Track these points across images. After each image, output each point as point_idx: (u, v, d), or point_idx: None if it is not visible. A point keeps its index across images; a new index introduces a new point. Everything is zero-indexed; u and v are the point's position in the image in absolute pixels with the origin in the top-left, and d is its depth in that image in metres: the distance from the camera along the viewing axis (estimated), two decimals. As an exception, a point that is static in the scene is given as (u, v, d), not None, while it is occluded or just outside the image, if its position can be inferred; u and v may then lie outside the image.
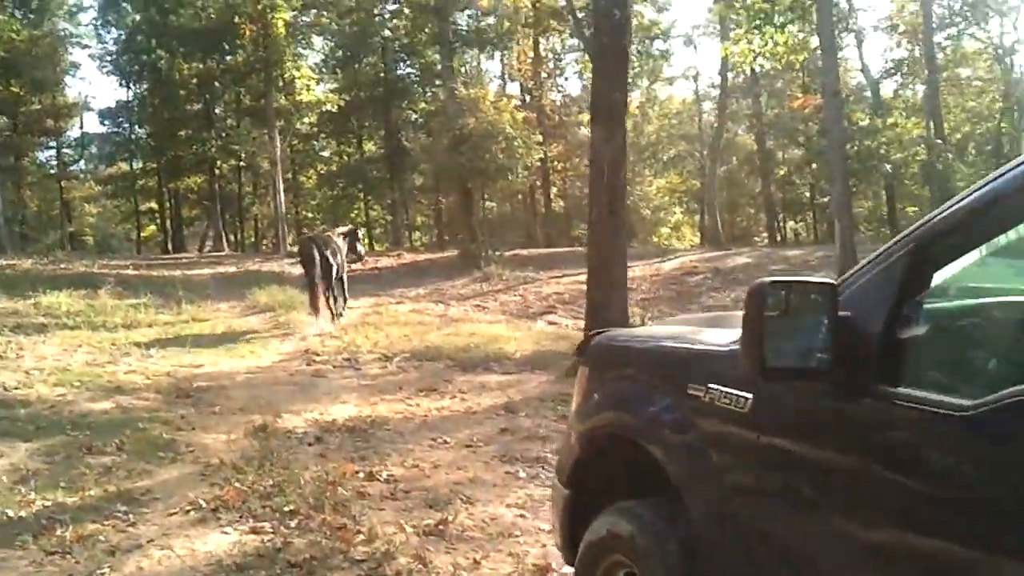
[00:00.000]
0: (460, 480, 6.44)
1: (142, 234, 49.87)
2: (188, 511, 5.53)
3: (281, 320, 15.61)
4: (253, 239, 49.96)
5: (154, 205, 48.39)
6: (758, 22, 21.61)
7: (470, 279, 24.03)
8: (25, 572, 4.61)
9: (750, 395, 2.57)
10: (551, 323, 17.79)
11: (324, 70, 43.65)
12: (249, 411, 8.55)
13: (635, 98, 46.34)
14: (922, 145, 21.49)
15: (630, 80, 39.75)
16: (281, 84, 36.42)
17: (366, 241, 47.21)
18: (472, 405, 9.12)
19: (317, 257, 15.53)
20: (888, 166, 20.96)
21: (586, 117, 47.57)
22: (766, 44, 23.78)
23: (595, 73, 10.97)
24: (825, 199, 46.02)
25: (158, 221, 49.00)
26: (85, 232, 49.87)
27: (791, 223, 52.64)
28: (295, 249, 34.87)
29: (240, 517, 5.41)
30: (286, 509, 5.48)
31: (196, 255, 37.35)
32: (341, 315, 16.07)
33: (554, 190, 47.31)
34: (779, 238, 46.55)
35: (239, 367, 11.30)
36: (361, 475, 6.42)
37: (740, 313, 3.73)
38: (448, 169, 28.42)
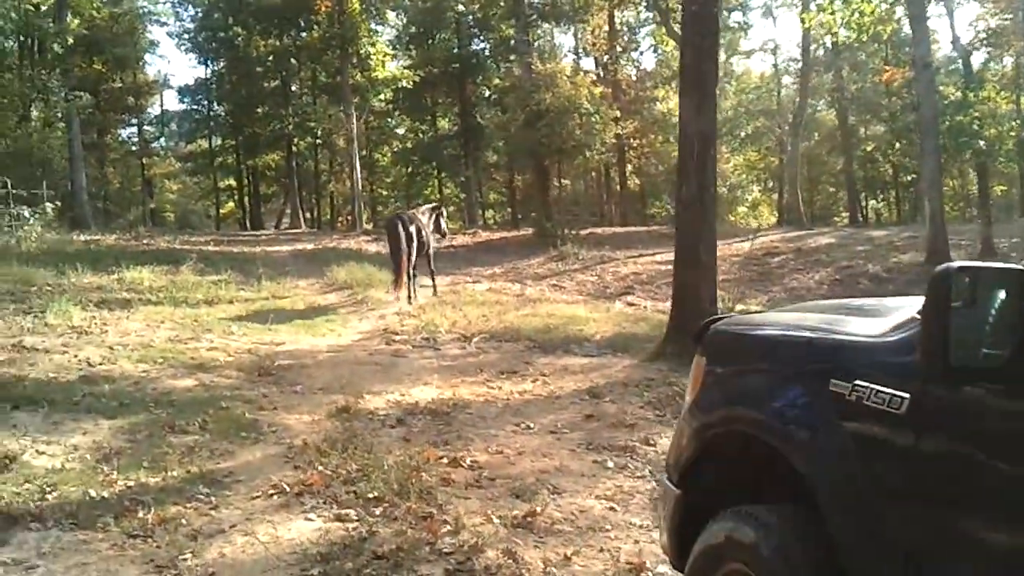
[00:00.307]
0: (546, 469, 6.23)
1: (221, 211, 50.69)
2: (271, 495, 5.41)
3: (359, 298, 15.61)
4: (329, 216, 50.39)
5: (232, 182, 49.16)
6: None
7: (546, 258, 23.85)
8: (106, 556, 4.52)
9: (907, 394, 2.30)
10: (630, 304, 17.52)
11: (398, 46, 43.68)
12: (331, 391, 8.46)
13: (712, 73, 45.55)
14: (1017, 120, 20.60)
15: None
16: (356, 60, 36.45)
17: (440, 219, 47.64)
18: (555, 389, 8.90)
19: (403, 235, 15.62)
20: (982, 142, 20.13)
21: (662, 92, 47.45)
22: (852, 14, 23.00)
23: (684, 43, 10.62)
24: (909, 177, 45.05)
25: (236, 198, 49.76)
26: (166, 208, 50.89)
27: (872, 202, 51.44)
28: (373, 226, 35.22)
29: (324, 503, 5.28)
30: (370, 496, 5.33)
31: (274, 232, 37.78)
32: (435, 292, 16.56)
33: (628, 168, 46.69)
34: (860, 217, 45.43)
35: (319, 345, 11.27)
36: (445, 461, 6.24)
37: (879, 300, 3.48)
38: (524, 146, 28.15)
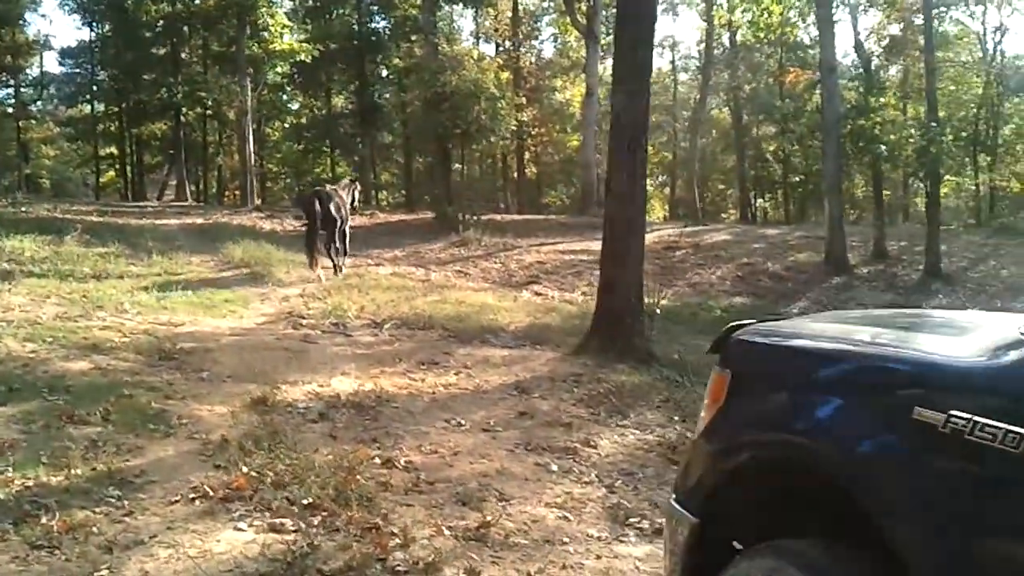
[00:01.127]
0: (487, 472, 5.83)
1: (101, 179, 48.44)
2: (193, 499, 4.86)
3: (258, 278, 14.88)
4: (215, 190, 48.74)
5: (114, 150, 46.97)
6: (757, -10, 21.00)
7: (447, 243, 23.35)
8: (8, 571, 3.93)
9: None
10: (537, 293, 17.26)
11: (294, 19, 42.37)
12: (241, 379, 7.86)
13: (607, 66, 45.77)
14: (915, 128, 21.06)
15: (603, 46, 39.35)
16: (253, 31, 35.07)
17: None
18: (480, 383, 8.50)
19: (319, 211, 15.75)
20: (883, 147, 20.50)
21: (560, 82, 47.45)
22: (760, 14, 23.27)
23: (619, 29, 10.30)
24: (797, 178, 46.11)
25: (117, 167, 47.62)
26: (41, 175, 48.28)
27: (760, 200, 52.48)
28: (263, 202, 34.12)
29: (255, 509, 4.75)
30: (305, 502, 4.83)
31: (159, 204, 36.21)
32: (342, 269, 16.37)
33: (526, 156, 46.54)
34: (749, 215, 46.28)
35: (222, 327, 10.57)
36: (378, 461, 5.78)
37: (937, 313, 3.17)
38: (426, 127, 27.53)
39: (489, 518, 4.87)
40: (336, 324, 11.34)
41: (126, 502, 4.75)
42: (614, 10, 40.70)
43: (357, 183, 19.35)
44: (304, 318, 11.58)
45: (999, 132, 36.52)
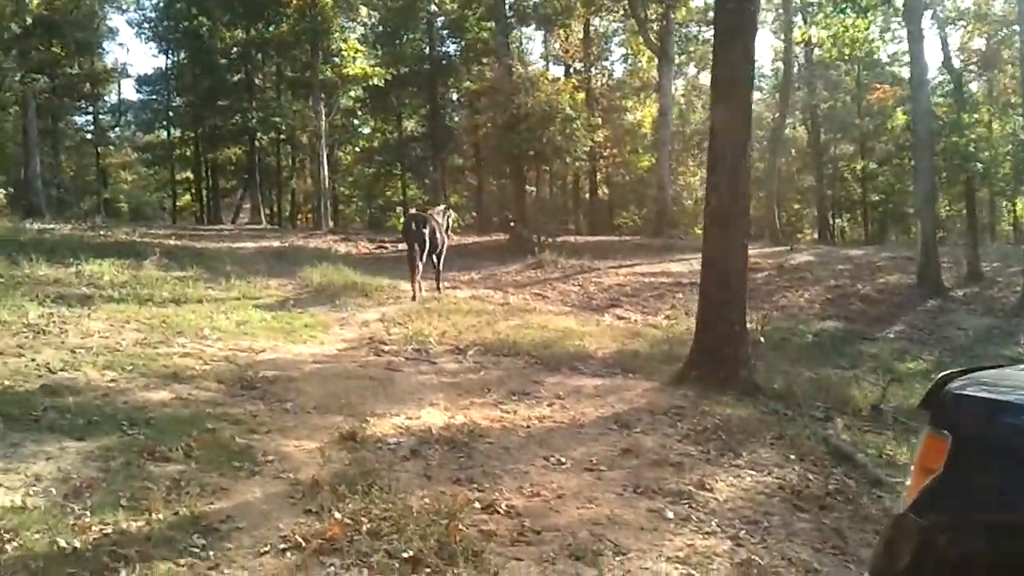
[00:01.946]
0: (597, 519, 5.32)
1: (177, 203, 49.11)
2: (283, 550, 4.44)
3: (338, 302, 14.58)
4: (288, 213, 49.11)
5: (190, 175, 47.65)
6: (844, 5, 20.26)
7: (523, 265, 22.91)
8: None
9: None
10: (619, 317, 16.69)
11: (365, 45, 42.54)
12: (326, 410, 7.48)
13: (679, 85, 45.17)
14: (1012, 144, 20.13)
15: (676, 65, 38.69)
16: (325, 56, 35.19)
17: (402, 220, 46.52)
18: (576, 415, 8.00)
19: (422, 233, 16.38)
20: (980, 165, 19.62)
21: (631, 103, 46.92)
22: (846, 30, 22.51)
23: (717, 44, 9.74)
24: (876, 197, 44.93)
25: (193, 191, 48.26)
26: (119, 199, 49.15)
27: (838, 220, 51.26)
28: (335, 225, 34.10)
29: (352, 564, 4.32)
30: (406, 555, 4.39)
31: (235, 227, 36.35)
32: (440, 290, 17.26)
33: (598, 177, 46.05)
34: (829, 235, 45.16)
35: (303, 354, 10.24)
36: (478, 505, 5.32)
37: None
38: (501, 149, 27.18)
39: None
40: (418, 350, 10.97)
41: (211, 552, 4.36)
42: (686, 29, 40.82)
43: (451, 209, 20.08)
44: (386, 344, 11.23)
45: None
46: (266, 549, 4.45)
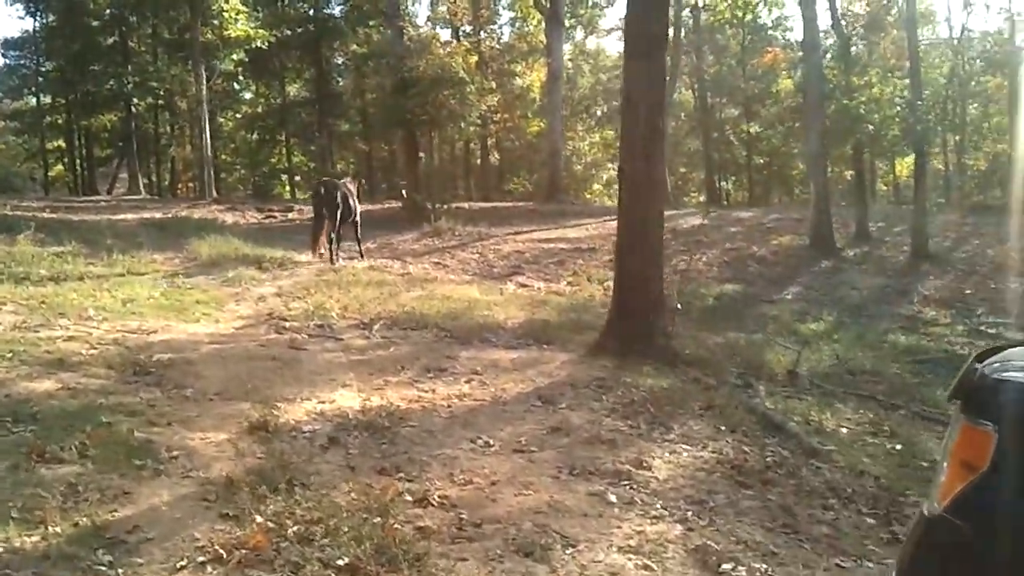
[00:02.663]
0: (537, 506, 4.99)
1: (49, 174, 46.69)
2: (202, 563, 3.96)
3: (230, 275, 13.87)
4: (168, 182, 47.28)
5: (62, 143, 45.25)
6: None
7: (420, 233, 22.42)
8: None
9: None
10: (522, 285, 16.39)
11: (246, 5, 40.98)
12: (230, 396, 6.95)
13: (567, 50, 44.95)
14: (901, 106, 20.47)
15: (566, 29, 38.40)
16: (206, 17, 33.65)
17: (288, 188, 45.34)
18: (496, 391, 7.64)
19: (334, 199, 16.62)
20: (870, 127, 19.92)
21: (519, 67, 46.52)
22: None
23: (631, 4, 9.38)
24: (761, 160, 45.79)
25: (66, 161, 45.92)
26: (-14, 170, 46.49)
27: (723, 184, 52.07)
28: (218, 193, 32.91)
29: (281, 576, 3.88)
30: (342, 562, 3.96)
31: (113, 198, 34.73)
32: (363, 256, 17.71)
33: (490, 142, 45.62)
34: (715, 198, 45.81)
35: (198, 333, 9.61)
36: (409, 498, 4.92)
37: None
38: (392, 114, 26.49)
39: (560, 572, 4.03)
40: (322, 326, 10.45)
41: (120, 570, 3.86)
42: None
43: (361, 178, 20.68)
44: (286, 320, 10.67)
45: (966, 111, 36.35)
46: (182, 563, 3.96)
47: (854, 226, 23.28)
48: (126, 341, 8.75)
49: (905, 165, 39.29)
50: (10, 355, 7.59)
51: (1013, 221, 20.73)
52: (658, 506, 5.11)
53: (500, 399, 7.40)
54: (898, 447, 7.03)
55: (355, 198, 17.64)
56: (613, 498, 5.18)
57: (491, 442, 6.15)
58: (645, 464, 5.78)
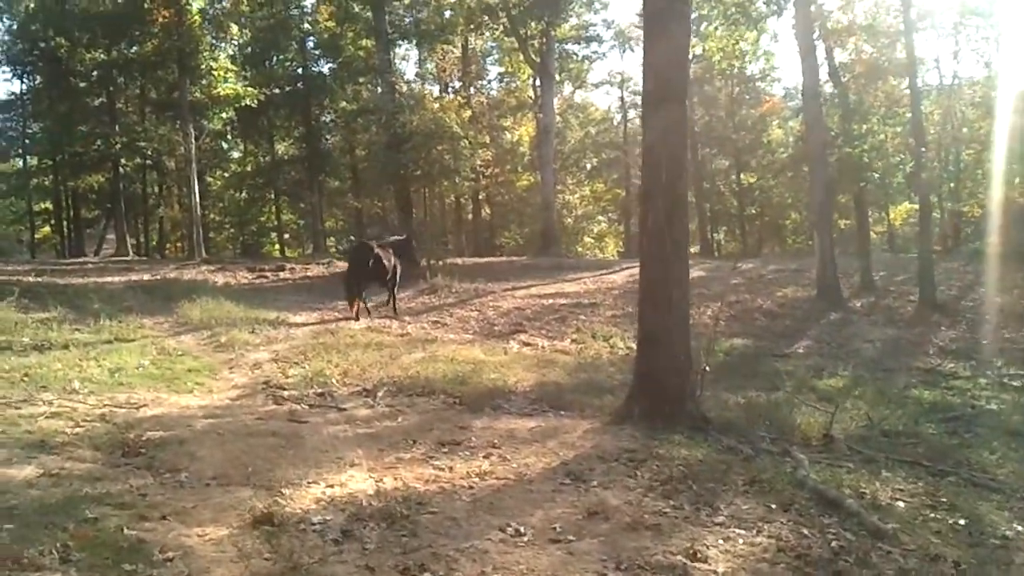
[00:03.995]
0: (586, 612, 4.36)
1: (36, 236, 46.07)
2: None
3: (223, 341, 13.25)
4: (156, 243, 46.71)
5: (49, 205, 44.69)
6: (736, 16, 19.98)
7: (416, 291, 21.87)
8: None
9: None
10: (525, 344, 15.79)
11: (235, 64, 40.75)
12: (229, 480, 6.30)
13: (557, 104, 44.91)
14: (905, 154, 20.16)
15: (557, 86, 38.27)
16: (194, 77, 33.29)
17: (277, 247, 44.81)
18: (520, 468, 7.00)
19: (358, 262, 17.63)
20: (876, 175, 19.56)
21: (508, 122, 46.42)
22: (736, 43, 22.32)
23: (649, 48, 8.88)
24: (754, 210, 45.64)
25: (53, 222, 45.31)
26: (-29, 233, 45.89)
27: (715, 235, 51.90)
28: (206, 253, 32.30)
29: None
30: None
31: (98, 259, 34.11)
32: (395, 312, 18.21)
33: (481, 196, 45.30)
34: (709, 250, 45.57)
35: (191, 406, 8.96)
36: (440, 606, 4.28)
37: None
38: (386, 171, 26.08)
39: None
40: (322, 394, 9.84)
41: None
42: (568, 46, 40.55)
43: (412, 239, 20.60)
44: (284, 388, 10.08)
45: (960, 157, 36.20)
46: None
47: (857, 276, 22.87)
48: (114, 417, 8.11)
49: (899, 213, 39.11)
50: (-13, 437, 6.95)
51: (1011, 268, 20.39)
52: (722, 608, 4.48)
53: (525, 476, 6.76)
54: (962, 522, 6.40)
55: (391, 258, 18.05)
56: (671, 600, 4.55)
57: (522, 530, 5.51)
58: (700, 555, 5.15)
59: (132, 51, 37.36)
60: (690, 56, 9.75)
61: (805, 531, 5.72)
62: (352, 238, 20.77)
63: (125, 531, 5.07)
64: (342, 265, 27.69)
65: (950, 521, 6.41)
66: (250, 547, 4.96)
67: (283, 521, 5.38)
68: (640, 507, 6.02)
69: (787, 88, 47.06)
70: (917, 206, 24.26)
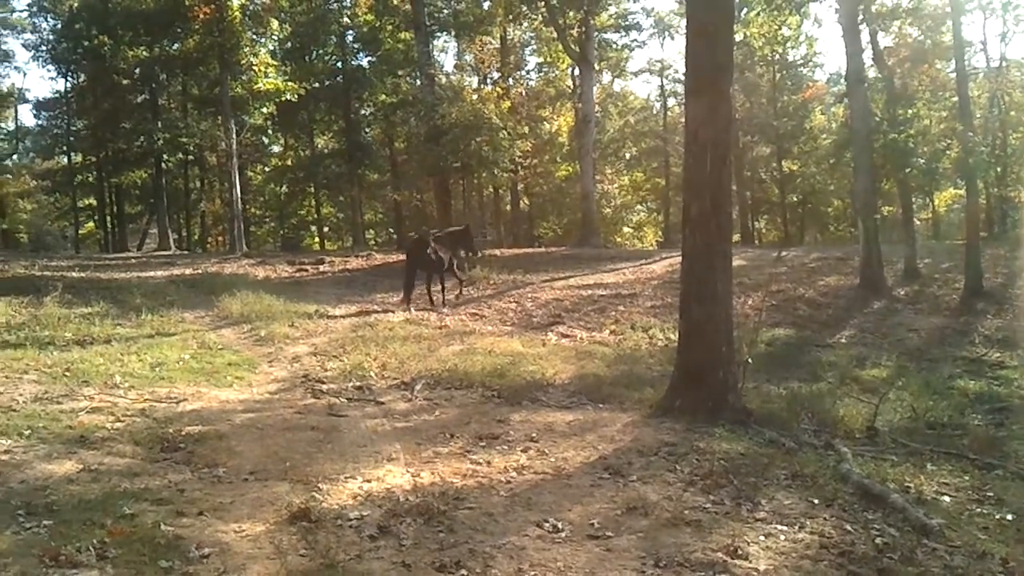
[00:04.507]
0: (626, 610, 4.29)
1: (80, 231, 46.76)
2: None
3: (263, 334, 13.31)
4: (198, 237, 47.22)
5: (93, 201, 45.40)
6: (779, 1, 19.69)
7: (454, 283, 21.79)
8: None
9: None
10: (564, 335, 15.68)
11: (275, 59, 40.97)
12: (267, 475, 6.31)
13: (596, 93, 44.66)
14: (952, 139, 19.76)
15: (596, 70, 37.99)
16: (235, 72, 33.51)
17: (317, 240, 45.07)
18: (558, 462, 6.93)
19: (414, 256, 18.31)
20: (922, 161, 19.18)
21: (547, 112, 46.21)
22: (778, 28, 22.02)
23: (693, 34, 8.71)
24: (795, 198, 45.06)
25: (97, 218, 45.99)
26: (19, 229, 46.68)
27: (755, 223, 51.40)
28: (247, 247, 32.49)
29: None
30: None
31: (142, 255, 34.51)
32: (444, 303, 18.49)
33: (520, 187, 45.16)
34: (750, 238, 45.12)
35: (231, 400, 9.00)
36: (476, 603, 4.23)
37: None
38: (425, 163, 26.08)
39: None
40: (361, 388, 9.86)
41: None
42: (607, 34, 40.29)
43: (468, 230, 20.79)
44: (323, 383, 10.09)
45: (1007, 141, 35.50)
46: None
47: (902, 264, 22.48)
48: (154, 412, 8.16)
49: (944, 199, 38.46)
50: (28, 432, 7.04)
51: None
52: (765, 606, 4.39)
53: (563, 471, 6.69)
54: (1009, 517, 6.24)
55: (445, 251, 18.58)
56: (712, 598, 4.47)
57: (560, 526, 5.45)
58: (740, 552, 5.05)
59: (174, 48, 37.84)
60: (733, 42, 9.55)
61: (848, 527, 5.60)
62: (413, 233, 20.99)
63: (162, 527, 5.07)
64: (380, 257, 27.87)
65: (997, 516, 6.26)
66: (286, 543, 4.95)
67: (320, 517, 5.36)
68: (680, 502, 5.93)
69: (830, 74, 46.72)
70: (963, 192, 23.90)
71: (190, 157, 41.52)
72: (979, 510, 6.40)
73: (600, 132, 45.36)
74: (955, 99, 21.15)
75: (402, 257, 27.55)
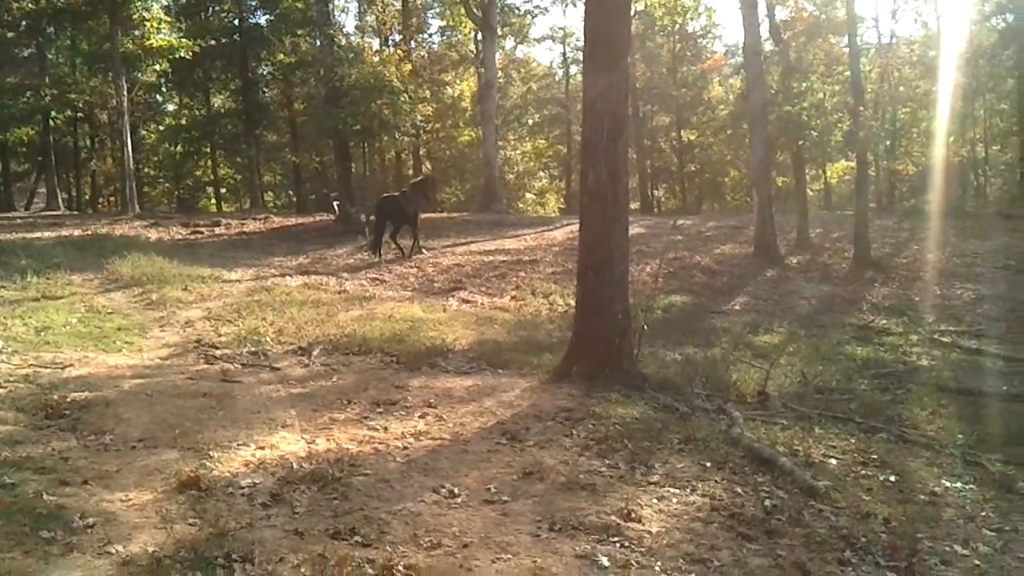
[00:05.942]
0: (520, 574, 4.31)
1: (-38, 191, 44.72)
2: None
3: (155, 298, 12.95)
4: (88, 197, 45.62)
5: (-23, 159, 43.38)
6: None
7: (354, 247, 21.61)
8: None
9: None
10: (465, 301, 15.67)
11: (169, 15, 39.65)
12: (156, 442, 6.14)
13: (499, 59, 44.56)
14: (844, 113, 20.31)
15: (497, 38, 37.84)
16: (126, 27, 32.25)
17: (214, 201, 44.01)
18: (456, 427, 6.93)
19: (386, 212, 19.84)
20: (814, 133, 19.66)
21: (449, 76, 45.91)
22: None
23: (592, 2, 8.71)
24: (694, 168, 45.84)
25: (-19, 177, 44.02)
26: None
27: (655, 192, 52.10)
28: (140, 208, 31.55)
29: None
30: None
31: (28, 214, 33.21)
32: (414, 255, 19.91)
33: (422, 152, 44.83)
34: (649, 207, 45.74)
35: (119, 365, 8.74)
36: (370, 571, 4.20)
37: None
38: (324, 125, 25.61)
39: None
40: (255, 353, 9.67)
41: None
42: (510, 0, 40.04)
43: (427, 179, 23.21)
44: (216, 348, 9.87)
45: (896, 115, 36.66)
46: None
47: (794, 233, 23.08)
48: (38, 377, 7.88)
49: (836, 171, 39.56)
50: (-97, 399, 6.71)
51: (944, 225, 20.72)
52: (656, 568, 4.46)
53: (460, 437, 6.69)
54: (892, 479, 6.48)
55: (409, 204, 20.08)
56: (605, 560, 4.52)
57: (456, 491, 5.45)
58: (634, 515, 5.12)
59: (62, 0, 36.21)
60: (632, 12, 9.57)
61: (739, 490, 5.74)
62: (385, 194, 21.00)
63: (44, 497, 4.90)
64: (278, 220, 27.37)
65: (881, 478, 6.49)
66: (175, 512, 4.83)
67: (210, 485, 5.25)
68: (575, 467, 5.99)
69: (728, 45, 47.36)
70: (854, 164, 24.63)
71: (79, 114, 39.97)
72: (864, 472, 6.63)
73: (503, 98, 45.23)
74: (848, 73, 21.70)
75: (300, 220, 27.33)
